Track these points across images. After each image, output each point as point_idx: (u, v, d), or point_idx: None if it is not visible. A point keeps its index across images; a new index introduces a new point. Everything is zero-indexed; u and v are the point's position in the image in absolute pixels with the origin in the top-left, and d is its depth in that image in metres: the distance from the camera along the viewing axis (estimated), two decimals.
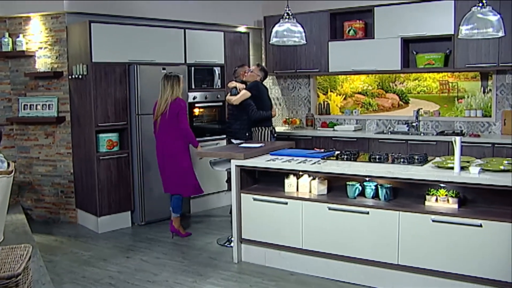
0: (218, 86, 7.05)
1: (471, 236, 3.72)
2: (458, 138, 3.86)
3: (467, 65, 6.35)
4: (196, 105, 6.81)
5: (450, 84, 6.93)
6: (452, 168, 3.95)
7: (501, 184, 3.58)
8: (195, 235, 5.86)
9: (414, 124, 7.01)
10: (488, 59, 6.23)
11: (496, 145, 6.02)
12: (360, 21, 7.17)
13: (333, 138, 7.08)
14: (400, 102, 7.33)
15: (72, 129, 6.30)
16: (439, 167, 4.06)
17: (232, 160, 4.72)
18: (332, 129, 7.44)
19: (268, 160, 4.61)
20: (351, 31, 7.21)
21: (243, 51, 7.39)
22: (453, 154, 3.98)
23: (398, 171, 4.00)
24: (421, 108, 7.01)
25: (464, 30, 4.05)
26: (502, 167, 3.89)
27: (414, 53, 6.84)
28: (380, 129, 7.39)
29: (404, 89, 7.28)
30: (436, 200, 4.00)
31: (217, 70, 7.01)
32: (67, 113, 6.25)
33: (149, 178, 6.25)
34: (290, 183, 4.62)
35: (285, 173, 4.60)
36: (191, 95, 6.72)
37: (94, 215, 6.07)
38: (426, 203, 4.03)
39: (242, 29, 7.72)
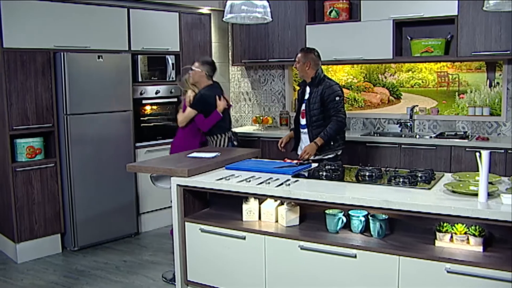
0: (172, 78, 5.82)
1: None
2: (485, 153, 2.70)
3: (473, 53, 5.20)
4: (145, 101, 5.59)
5: (450, 76, 5.79)
6: (474, 194, 2.79)
7: None
8: (138, 265, 4.66)
9: (408, 123, 5.88)
10: (499, 46, 5.09)
11: (509, 151, 4.89)
12: (344, 0, 5.98)
13: None
14: (391, 98, 6.18)
15: None
16: (454, 191, 2.89)
17: (172, 178, 3.52)
18: None
19: (220, 179, 3.41)
20: (333, 13, 6.01)
21: (204, 36, 6.17)
22: (474, 170, 2.82)
23: (398, 198, 2.82)
24: (417, 105, 5.87)
25: (493, 1, 2.88)
26: None
27: (409, 38, 5.67)
28: (368, 129, 6.23)
29: (396, 82, 6.13)
30: (451, 239, 2.84)
31: (170, 59, 5.77)
32: None
33: (83, 192, 5.02)
34: (249, 209, 3.43)
35: (244, 196, 3.40)
36: (138, 89, 5.49)
37: (12, 241, 4.83)
38: (437, 243, 2.87)
39: (203, 10, 6.48)
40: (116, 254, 4.96)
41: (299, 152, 4.72)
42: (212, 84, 4.85)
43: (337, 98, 4.55)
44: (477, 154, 2.74)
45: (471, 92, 5.69)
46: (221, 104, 4.78)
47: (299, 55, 4.77)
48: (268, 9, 3.65)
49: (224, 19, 3.71)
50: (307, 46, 6.04)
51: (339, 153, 4.72)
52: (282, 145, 5.04)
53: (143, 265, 4.67)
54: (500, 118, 5.53)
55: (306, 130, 4.71)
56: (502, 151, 4.90)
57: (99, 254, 4.98)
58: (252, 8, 3.55)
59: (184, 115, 4.71)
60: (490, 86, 5.59)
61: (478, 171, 3.32)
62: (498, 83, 5.54)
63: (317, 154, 4.59)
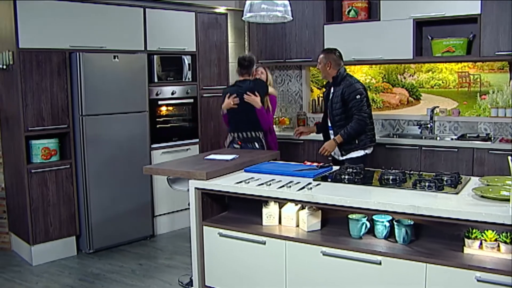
0: (189, 78, 5.74)
1: None
2: None
3: (497, 53, 5.06)
4: (161, 102, 5.51)
5: (472, 76, 5.66)
6: (505, 199, 2.67)
7: None
8: (154, 269, 4.59)
9: (428, 125, 5.75)
10: None
11: None
12: (363, 0, 5.87)
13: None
14: (410, 98, 6.06)
15: (1, 133, 5.01)
16: (484, 197, 2.78)
17: (190, 181, 3.43)
18: None
19: (239, 182, 3.32)
20: (352, 12, 5.89)
21: (220, 36, 6.08)
22: (506, 174, 2.71)
23: (425, 203, 2.71)
24: (437, 106, 5.74)
25: None
26: None
27: (430, 38, 5.54)
28: (387, 131, 6.11)
29: (415, 83, 6.00)
30: (481, 246, 2.73)
31: (186, 60, 5.69)
32: None
33: (98, 194, 4.96)
34: (269, 213, 3.34)
35: (264, 200, 3.31)
36: (154, 90, 5.42)
37: (27, 243, 4.78)
38: (466, 250, 2.75)
39: (220, 10, 6.40)
40: (132, 257, 4.89)
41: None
42: (239, 80, 4.98)
43: (358, 97, 4.47)
44: (509, 158, 2.62)
45: (493, 92, 5.55)
46: (224, 103, 4.93)
47: (320, 56, 4.71)
48: (289, 8, 3.56)
49: (243, 18, 3.63)
50: (326, 46, 5.95)
51: (368, 151, 4.65)
52: (298, 132, 5.10)
53: (159, 269, 4.60)
54: None
55: (332, 131, 4.69)
56: None
57: (114, 257, 4.91)
58: (272, 7, 3.46)
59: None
60: None
61: (505, 174, 3.22)
62: None
63: (343, 153, 4.58)
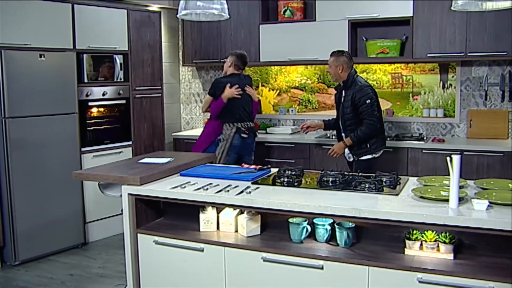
0: (121, 79, 5.51)
1: None
2: (456, 158, 2.60)
3: (428, 55, 5.17)
4: (91, 103, 5.26)
5: (404, 77, 5.76)
6: (444, 200, 2.68)
7: None
8: (87, 279, 4.36)
9: None
10: (453, 48, 5.09)
11: (465, 152, 4.87)
12: (299, 0, 5.84)
13: (265, 144, 5.75)
14: None
15: None
16: (423, 197, 2.78)
17: (123, 186, 3.26)
18: (264, 131, 6.10)
19: (175, 187, 3.18)
20: (288, 12, 5.86)
21: (153, 35, 5.88)
22: (439, 173, 2.71)
23: (367, 206, 2.67)
24: None
25: (461, 1, 2.78)
26: None
27: (364, 39, 5.59)
28: (322, 131, 6.11)
29: None
30: (421, 247, 2.72)
31: (118, 59, 5.45)
32: None
33: (24, 202, 4.66)
34: (207, 218, 3.22)
35: (201, 205, 3.18)
36: (84, 90, 5.16)
37: None
38: (407, 251, 2.74)
39: (153, 8, 6.20)
40: (62, 268, 4.62)
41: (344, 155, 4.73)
42: (235, 73, 5.17)
43: (368, 101, 4.41)
44: (448, 158, 2.62)
45: (424, 93, 5.67)
46: (228, 91, 5.01)
47: (331, 59, 4.61)
48: (226, 6, 3.44)
49: (178, 15, 3.48)
50: (261, 46, 5.92)
51: (377, 155, 4.61)
52: (305, 127, 5.03)
53: (92, 279, 4.36)
54: (454, 120, 5.54)
55: (343, 134, 4.67)
56: (458, 153, 4.85)
57: (43, 268, 4.63)
58: (208, 5, 3.33)
59: (204, 100, 5.29)
60: (443, 87, 5.59)
61: (438, 174, 3.26)
62: (451, 84, 5.54)
63: (354, 157, 4.57)
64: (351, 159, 4.65)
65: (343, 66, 4.54)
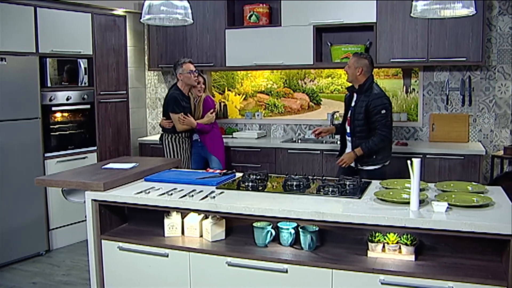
0: (85, 83, 5.44)
1: None
2: (416, 161, 2.65)
3: (392, 60, 5.27)
4: (54, 108, 5.18)
5: None
6: (405, 202, 2.73)
7: (491, 232, 2.40)
8: (51, 287, 4.28)
9: None
10: (415, 53, 5.20)
11: (427, 156, 4.98)
12: (264, 5, 5.88)
13: (231, 148, 5.76)
14: (311, 103, 6.16)
15: None
16: (385, 200, 2.83)
17: (86, 192, 3.22)
18: (230, 135, 6.11)
19: (139, 192, 3.16)
20: (253, 17, 5.90)
21: (118, 39, 5.84)
22: (402, 176, 2.77)
23: (330, 209, 2.71)
24: (337, 111, 5.85)
25: (420, 6, 2.85)
26: (474, 200, 2.74)
27: (329, 44, 5.67)
28: (288, 135, 6.17)
29: (315, 88, 6.11)
30: (383, 249, 2.76)
31: (82, 63, 5.39)
32: None
33: None
34: (172, 224, 3.21)
35: (165, 210, 3.17)
36: (47, 95, 5.08)
37: None
38: (369, 253, 2.78)
39: (118, 11, 6.15)
40: (24, 276, 4.53)
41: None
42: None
43: (383, 112, 4.24)
44: (409, 162, 2.68)
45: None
46: (210, 117, 5.39)
47: (352, 59, 4.40)
48: (189, 11, 3.45)
49: (141, 20, 3.46)
50: (227, 51, 5.92)
51: (378, 166, 4.43)
52: (316, 132, 4.81)
53: (56, 287, 4.29)
54: (417, 124, 5.65)
55: (350, 138, 4.47)
56: (420, 156, 4.96)
57: (4, 276, 4.53)
58: (172, 9, 3.33)
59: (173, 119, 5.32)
60: (407, 92, 5.70)
61: (401, 177, 3.32)
62: (414, 89, 5.65)
63: (358, 165, 4.39)
64: (356, 168, 4.44)
65: (363, 69, 4.34)
